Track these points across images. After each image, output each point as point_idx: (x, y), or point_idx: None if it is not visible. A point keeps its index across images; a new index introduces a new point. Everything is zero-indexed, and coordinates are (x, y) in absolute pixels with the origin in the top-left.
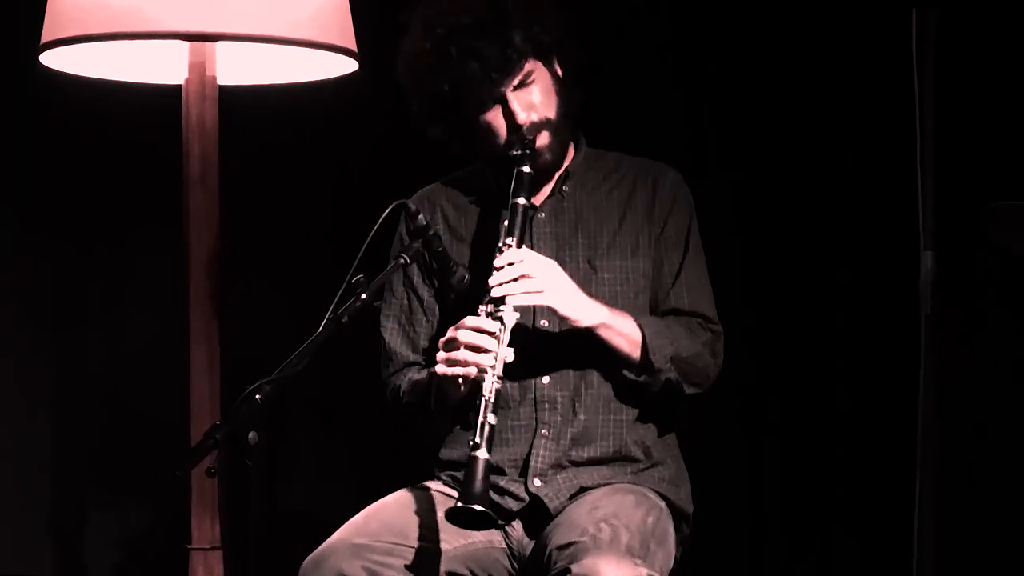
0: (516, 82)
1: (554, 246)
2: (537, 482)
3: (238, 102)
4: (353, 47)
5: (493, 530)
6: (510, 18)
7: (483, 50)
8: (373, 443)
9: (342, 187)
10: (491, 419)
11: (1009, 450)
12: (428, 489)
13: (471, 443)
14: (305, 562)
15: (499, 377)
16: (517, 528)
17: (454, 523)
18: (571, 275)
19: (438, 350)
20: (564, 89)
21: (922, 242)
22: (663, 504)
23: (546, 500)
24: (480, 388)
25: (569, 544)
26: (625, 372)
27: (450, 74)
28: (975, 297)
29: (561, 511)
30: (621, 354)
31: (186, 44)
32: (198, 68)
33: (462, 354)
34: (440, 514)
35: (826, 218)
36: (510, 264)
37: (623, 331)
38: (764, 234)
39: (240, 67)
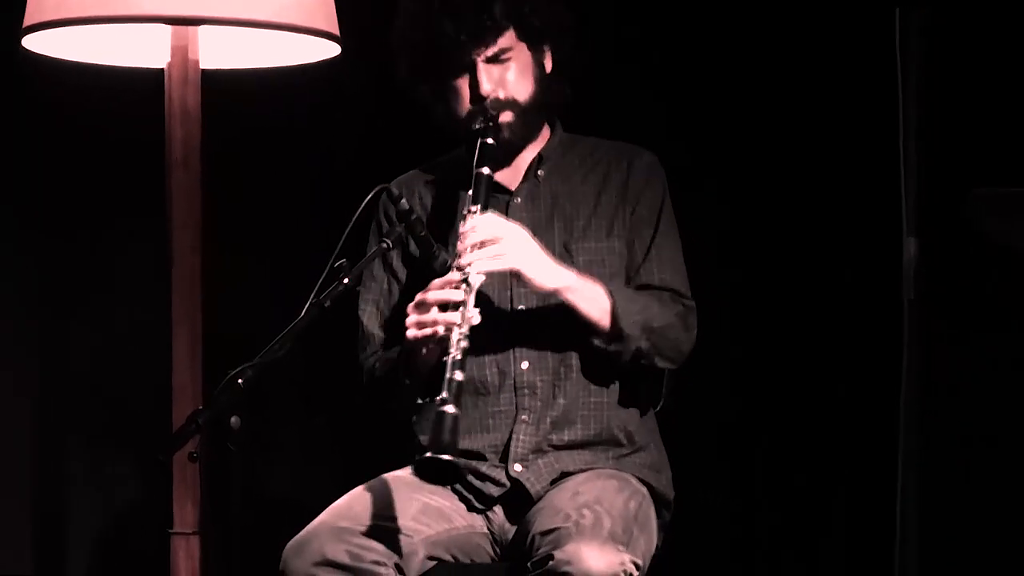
0: (489, 54)
1: (530, 232)
2: (518, 467)
3: (221, 86)
4: (336, 31)
5: (475, 514)
6: None
7: (460, 10)
8: (356, 428)
9: (325, 171)
10: (458, 375)
11: (992, 437)
12: (410, 474)
13: (438, 399)
14: (288, 546)
15: (466, 335)
16: (499, 513)
17: (422, 477)
18: None
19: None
20: (545, 78)
21: (905, 228)
22: (645, 490)
23: (527, 484)
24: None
25: (551, 530)
26: (595, 341)
27: (427, 28)
28: (958, 283)
29: (543, 495)
30: (589, 320)
31: (169, 28)
32: (181, 52)
33: (431, 315)
34: (423, 500)
35: (809, 205)
36: (473, 230)
37: (591, 296)
38: (748, 222)
39: (223, 51)
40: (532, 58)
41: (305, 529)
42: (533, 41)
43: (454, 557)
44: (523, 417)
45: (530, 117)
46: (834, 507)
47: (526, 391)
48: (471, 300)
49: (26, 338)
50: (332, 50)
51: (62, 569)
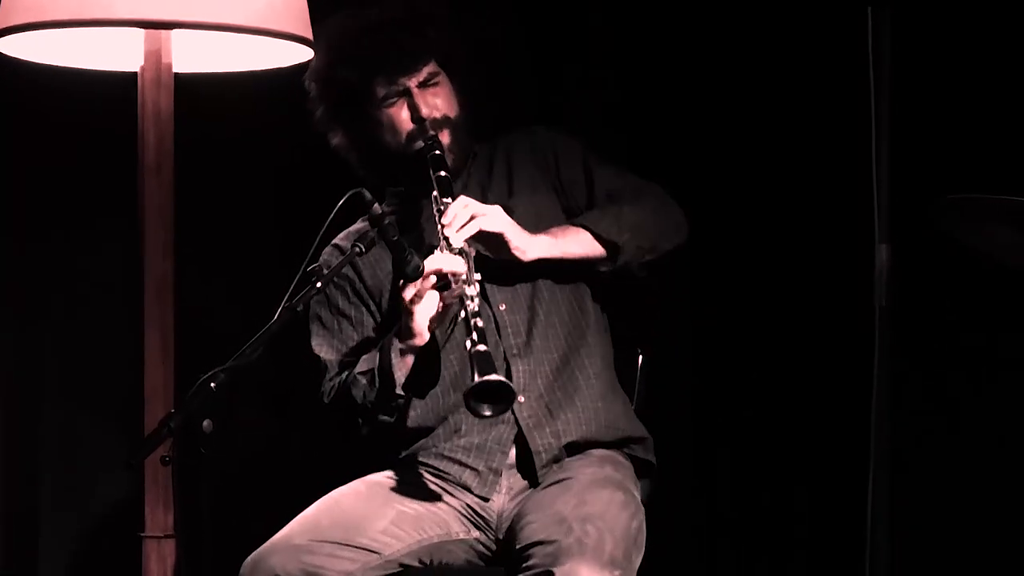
0: (422, 79)
1: None
2: (521, 398)
3: (194, 90)
4: (309, 35)
5: (455, 521)
6: (424, 19)
7: (397, 38)
8: (328, 432)
9: (298, 175)
10: (480, 322)
11: (964, 443)
12: (385, 480)
13: (470, 341)
14: (245, 562)
15: (473, 297)
16: (497, 500)
17: (476, 402)
18: None
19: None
20: (467, 104)
21: (877, 234)
22: (639, 499)
23: (532, 447)
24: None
25: (551, 541)
26: (601, 269)
27: (364, 61)
28: (930, 290)
29: (544, 477)
30: (585, 259)
31: (142, 32)
32: (154, 56)
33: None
34: (397, 508)
35: (781, 211)
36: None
37: (573, 240)
38: (718, 227)
39: (196, 55)
40: (452, 85)
41: (263, 545)
42: (452, 68)
43: (427, 562)
44: (514, 352)
45: (462, 138)
46: (804, 513)
47: (509, 330)
48: (471, 265)
49: None
50: (305, 54)
51: (34, 573)
